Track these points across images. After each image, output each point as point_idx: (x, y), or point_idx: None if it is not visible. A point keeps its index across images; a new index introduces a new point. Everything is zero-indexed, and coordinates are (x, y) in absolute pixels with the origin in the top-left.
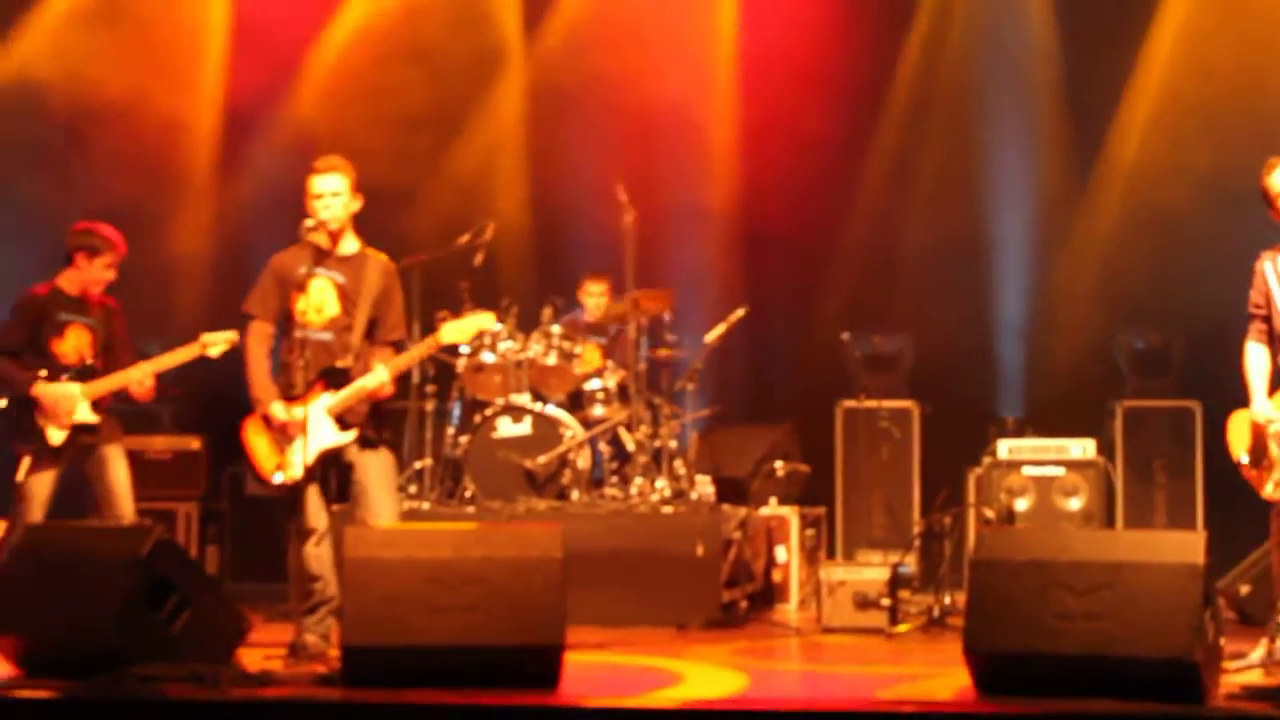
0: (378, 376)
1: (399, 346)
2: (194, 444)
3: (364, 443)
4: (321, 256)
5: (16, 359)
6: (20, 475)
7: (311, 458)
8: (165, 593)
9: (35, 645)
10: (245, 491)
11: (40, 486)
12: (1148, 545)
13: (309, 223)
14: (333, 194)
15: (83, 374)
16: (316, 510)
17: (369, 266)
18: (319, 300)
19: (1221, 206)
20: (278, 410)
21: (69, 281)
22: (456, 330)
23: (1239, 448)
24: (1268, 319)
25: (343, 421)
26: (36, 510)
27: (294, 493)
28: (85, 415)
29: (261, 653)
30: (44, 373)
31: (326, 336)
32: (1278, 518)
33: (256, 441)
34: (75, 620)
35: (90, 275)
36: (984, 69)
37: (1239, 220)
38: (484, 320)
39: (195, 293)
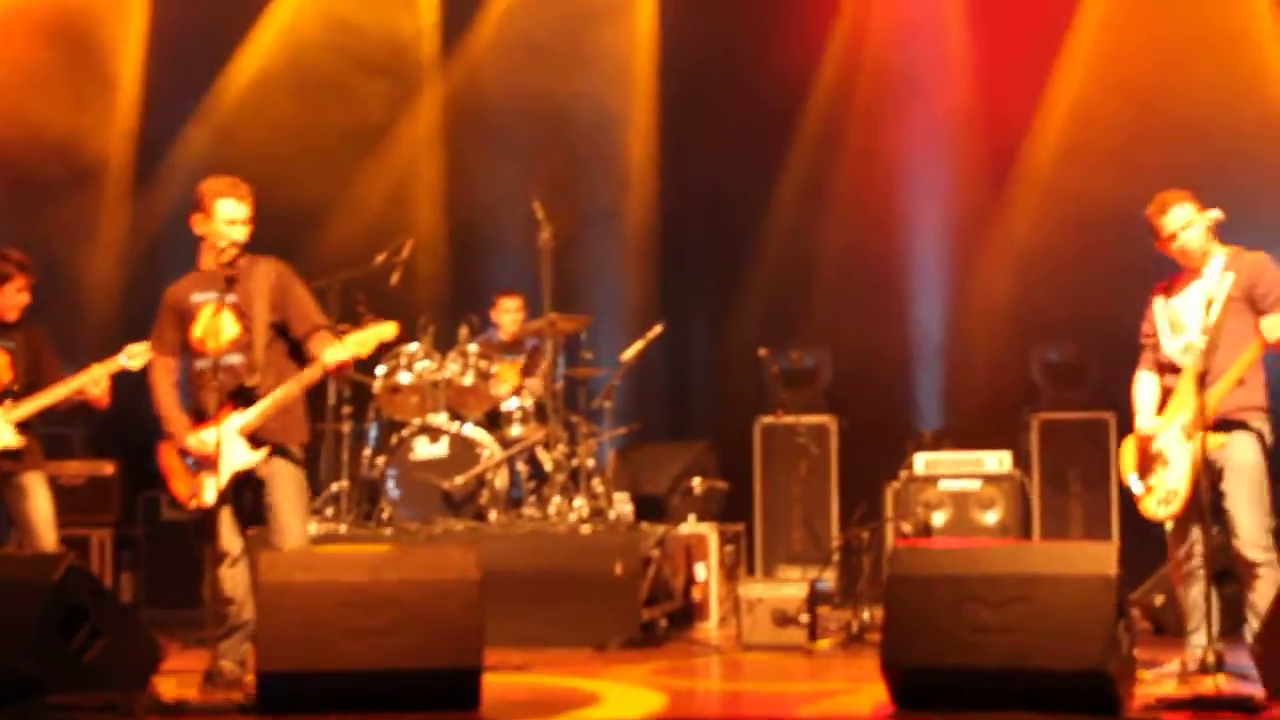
0: (286, 389)
1: (334, 332)
2: (107, 469)
3: (275, 452)
4: (214, 280)
5: None
6: None
7: (224, 481)
8: (78, 620)
9: None
10: (160, 517)
11: None
12: (1061, 557)
13: (223, 243)
14: (246, 219)
15: (2, 397)
16: (230, 533)
17: (254, 275)
18: (215, 325)
19: (1136, 220)
20: (192, 442)
21: None
22: (358, 342)
23: (1127, 470)
24: (1156, 349)
25: (254, 440)
26: None
27: (208, 516)
28: (8, 439)
29: (176, 680)
30: None
31: (235, 359)
32: (1171, 536)
33: (172, 466)
34: None
35: (2, 301)
36: (898, 81)
37: (1152, 234)
38: (385, 330)
39: (107, 317)
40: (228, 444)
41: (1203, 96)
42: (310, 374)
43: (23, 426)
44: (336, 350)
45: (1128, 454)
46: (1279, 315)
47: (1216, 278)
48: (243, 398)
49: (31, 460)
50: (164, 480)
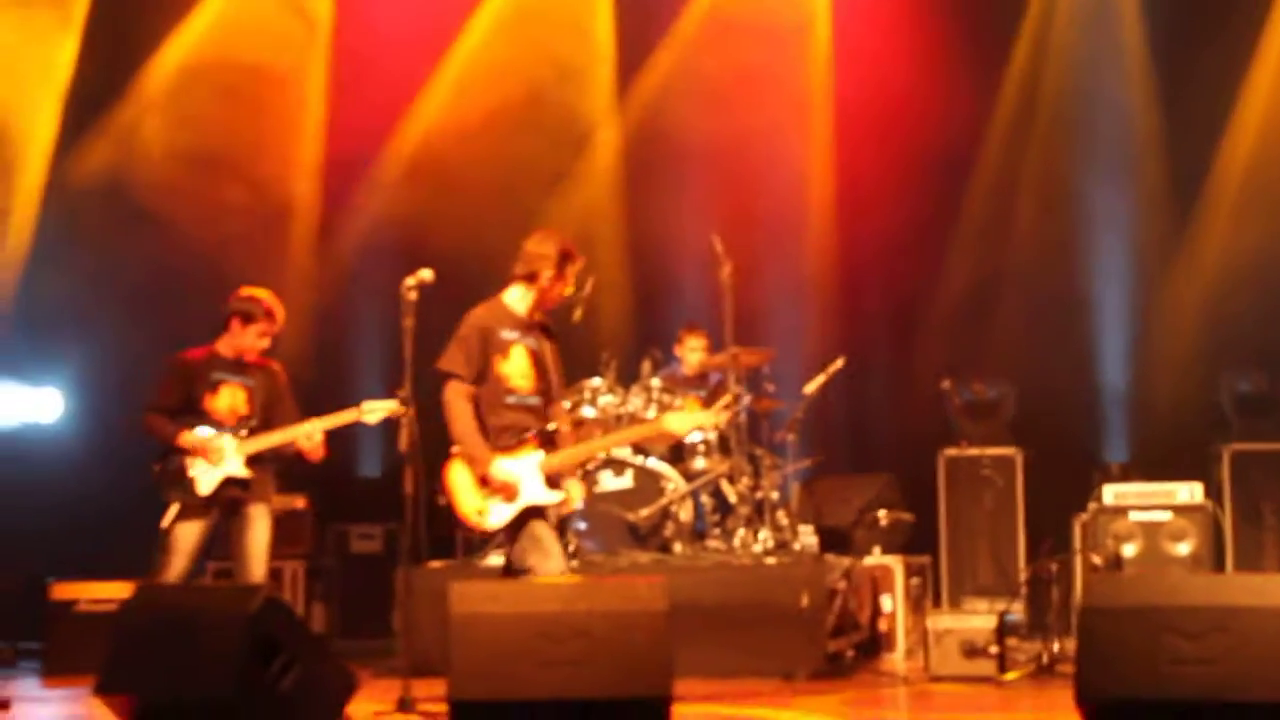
0: (604, 442)
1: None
2: (299, 503)
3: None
4: (519, 324)
5: (170, 417)
6: (165, 522)
7: (516, 511)
8: (273, 651)
9: (148, 705)
10: (350, 549)
11: (185, 537)
12: (1260, 588)
13: (562, 293)
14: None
15: (237, 429)
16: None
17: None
18: (521, 366)
19: None
20: (497, 472)
21: (225, 345)
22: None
23: None
24: None
25: (550, 481)
26: (180, 560)
27: (484, 536)
28: (236, 469)
29: (370, 708)
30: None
31: (536, 401)
32: None
33: (462, 484)
34: (188, 679)
35: (243, 342)
36: (1081, 115)
37: None
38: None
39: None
40: (529, 479)
41: None
42: (639, 432)
43: (254, 461)
44: (681, 420)
45: None
46: None
47: None
48: (545, 439)
49: (260, 493)
50: (448, 496)
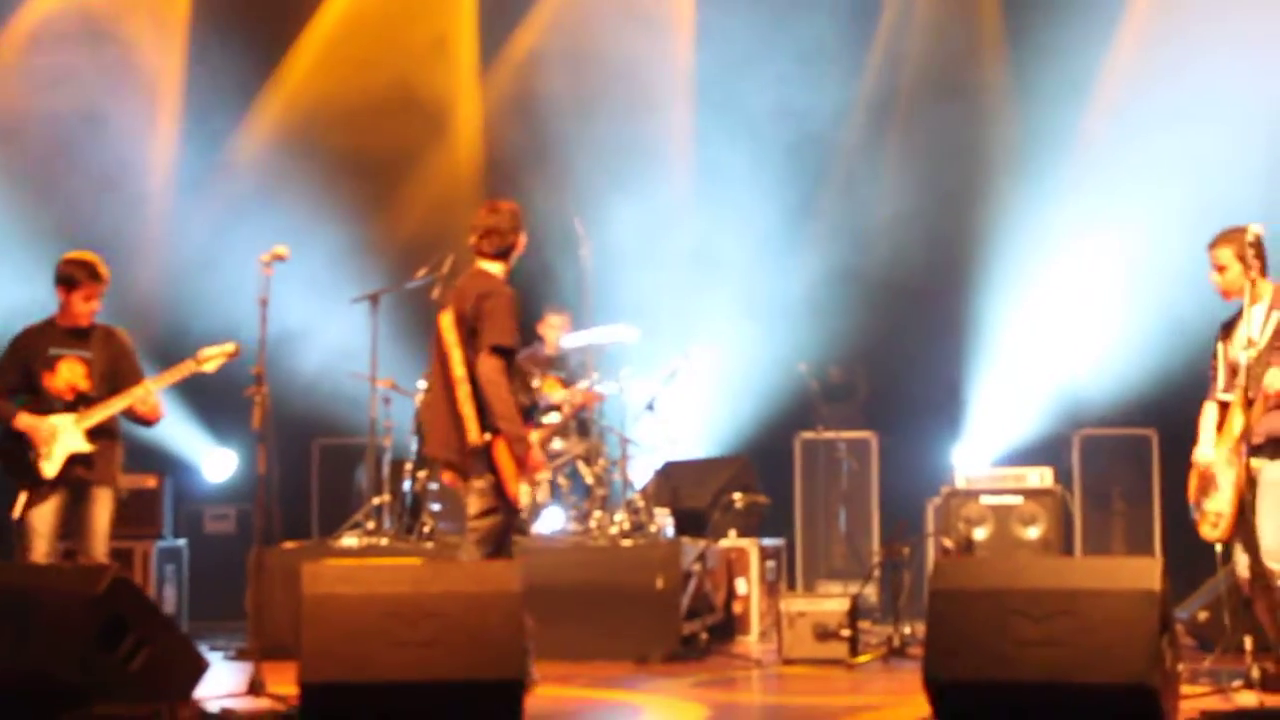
0: None
1: None
2: (150, 482)
3: None
4: None
5: (8, 397)
6: (16, 511)
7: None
8: (122, 631)
9: None
10: (203, 530)
11: (41, 519)
12: (1105, 572)
13: None
14: None
15: (75, 405)
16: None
17: None
18: None
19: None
20: (538, 453)
21: (61, 316)
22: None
23: (1192, 491)
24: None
25: None
26: (41, 543)
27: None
28: (78, 444)
29: (221, 690)
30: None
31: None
32: (1221, 557)
33: (509, 464)
34: (33, 660)
35: (74, 309)
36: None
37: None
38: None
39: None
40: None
41: None
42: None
43: (98, 434)
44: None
45: (1191, 481)
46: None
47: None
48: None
49: (103, 472)
50: (501, 476)
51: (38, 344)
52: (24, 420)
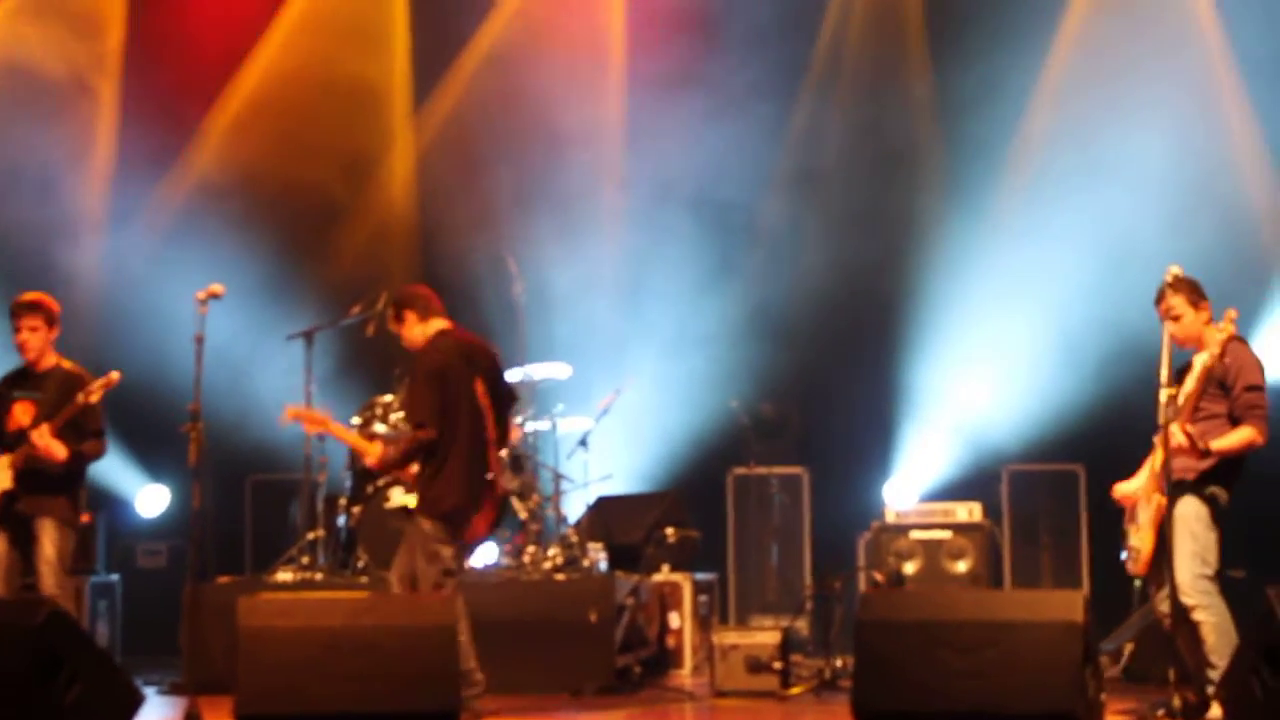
0: None
1: None
2: (83, 518)
3: None
4: None
5: None
6: None
7: None
8: (57, 665)
9: None
10: (136, 564)
11: None
12: (1030, 604)
13: None
14: None
15: (13, 444)
16: None
17: None
18: None
19: None
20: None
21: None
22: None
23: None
24: None
25: None
26: None
27: None
28: (4, 483)
29: None
30: None
31: None
32: (1141, 592)
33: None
34: None
35: (21, 349)
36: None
37: None
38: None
39: None
40: None
41: None
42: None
43: (29, 473)
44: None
45: (1127, 514)
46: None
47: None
48: None
49: (44, 506)
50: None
51: (2, 386)
52: None
